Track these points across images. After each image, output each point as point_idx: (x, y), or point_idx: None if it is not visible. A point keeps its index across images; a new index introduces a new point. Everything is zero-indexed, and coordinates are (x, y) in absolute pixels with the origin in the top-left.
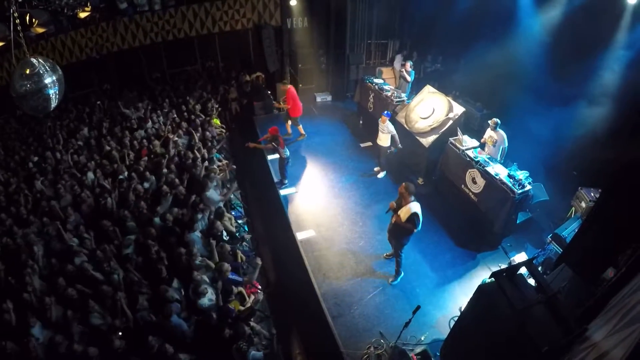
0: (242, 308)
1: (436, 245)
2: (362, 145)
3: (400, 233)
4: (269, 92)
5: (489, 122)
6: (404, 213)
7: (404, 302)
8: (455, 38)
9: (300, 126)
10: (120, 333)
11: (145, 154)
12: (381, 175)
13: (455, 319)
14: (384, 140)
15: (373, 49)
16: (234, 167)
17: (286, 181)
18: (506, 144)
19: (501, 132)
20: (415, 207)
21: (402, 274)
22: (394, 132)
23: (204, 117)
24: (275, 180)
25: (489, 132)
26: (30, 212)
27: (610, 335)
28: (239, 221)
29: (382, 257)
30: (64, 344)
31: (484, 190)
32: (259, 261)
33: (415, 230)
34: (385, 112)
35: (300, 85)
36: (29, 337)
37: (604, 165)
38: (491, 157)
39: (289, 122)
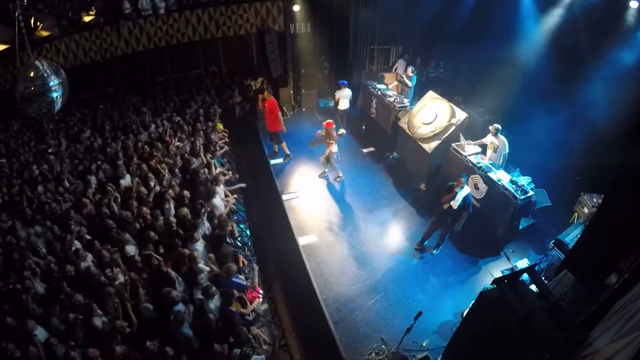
0: (243, 311)
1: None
2: (364, 150)
3: (452, 219)
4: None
5: (490, 127)
6: (455, 200)
7: (405, 308)
8: (458, 43)
9: (284, 143)
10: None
11: (148, 157)
12: (341, 132)
13: (457, 325)
14: (341, 104)
15: (376, 55)
16: (237, 176)
17: (341, 174)
18: (507, 150)
19: (502, 137)
20: (464, 191)
21: (441, 247)
22: (339, 94)
23: (207, 121)
24: (278, 184)
25: (490, 138)
26: (33, 214)
27: (612, 341)
28: (241, 225)
29: (383, 262)
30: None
31: (487, 196)
32: (255, 266)
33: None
34: (341, 81)
35: (303, 91)
36: (34, 336)
37: (606, 170)
38: (493, 162)
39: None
